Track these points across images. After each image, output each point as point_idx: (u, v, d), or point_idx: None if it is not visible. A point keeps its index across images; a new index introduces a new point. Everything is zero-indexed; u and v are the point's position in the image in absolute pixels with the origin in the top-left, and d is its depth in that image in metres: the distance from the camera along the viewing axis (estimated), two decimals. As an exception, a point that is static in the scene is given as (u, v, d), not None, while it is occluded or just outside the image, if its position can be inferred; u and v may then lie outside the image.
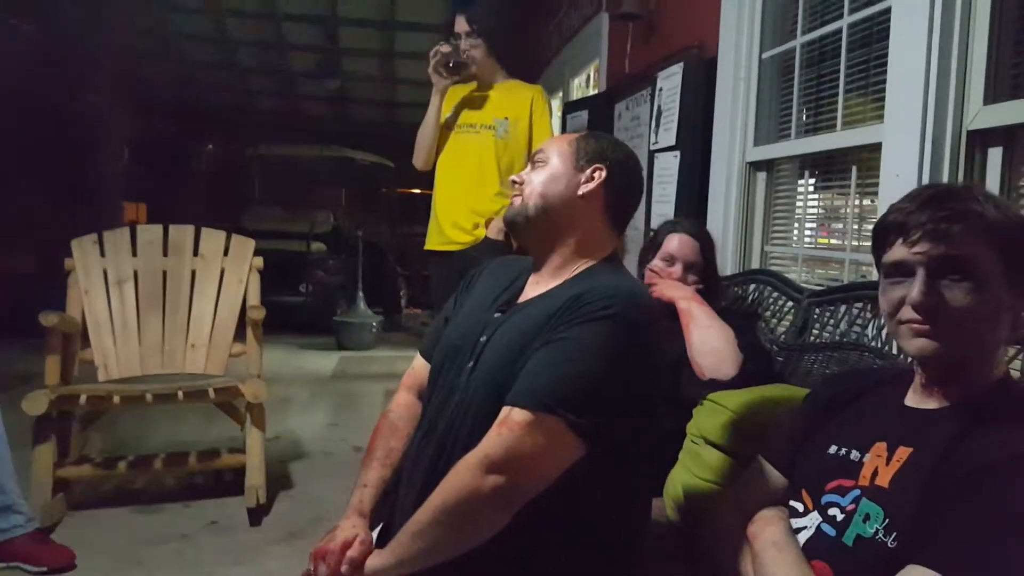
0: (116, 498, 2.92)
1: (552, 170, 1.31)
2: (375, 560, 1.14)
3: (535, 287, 1.30)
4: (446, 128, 3.11)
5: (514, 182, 1.35)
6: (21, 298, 5.14)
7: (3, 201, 6.66)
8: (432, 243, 3.18)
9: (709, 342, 1.75)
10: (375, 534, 1.25)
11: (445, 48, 2.97)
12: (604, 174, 1.29)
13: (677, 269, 1.97)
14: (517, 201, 1.33)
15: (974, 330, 0.95)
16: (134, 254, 3.10)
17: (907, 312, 0.98)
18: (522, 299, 1.30)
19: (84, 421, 3.00)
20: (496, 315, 1.28)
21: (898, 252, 1.00)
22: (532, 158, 1.36)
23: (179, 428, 3.78)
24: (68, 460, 2.80)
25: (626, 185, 1.34)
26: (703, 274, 1.99)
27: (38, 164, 6.96)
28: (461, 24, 3.03)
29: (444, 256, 3.11)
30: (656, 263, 2.01)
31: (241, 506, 2.75)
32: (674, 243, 2.00)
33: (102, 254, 3.05)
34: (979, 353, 0.97)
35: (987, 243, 0.94)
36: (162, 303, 3.09)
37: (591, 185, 1.29)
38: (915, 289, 0.97)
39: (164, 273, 3.11)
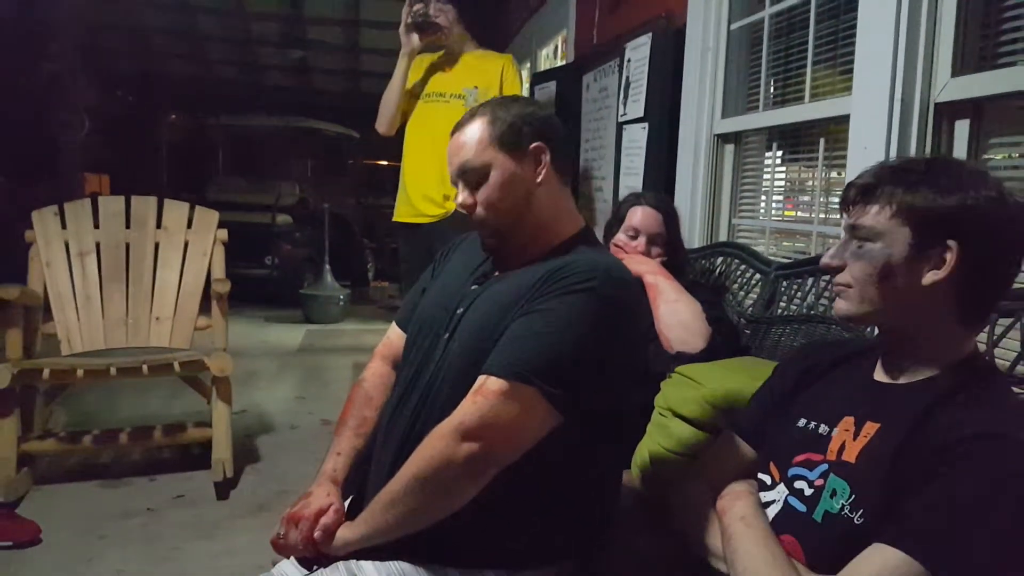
0: (82, 472, 2.88)
1: (500, 180, 1.23)
2: (347, 532, 1.14)
3: (511, 261, 1.29)
4: (413, 96, 3.06)
5: (463, 209, 1.27)
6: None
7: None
8: (401, 215, 3.14)
9: (677, 315, 1.76)
10: (346, 504, 1.25)
11: (418, 5, 2.91)
12: (548, 151, 1.25)
13: (641, 242, 1.98)
14: (480, 231, 1.28)
15: (875, 294, 0.98)
16: (96, 226, 3.03)
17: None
18: (498, 272, 1.29)
19: (48, 395, 2.96)
20: (473, 287, 1.28)
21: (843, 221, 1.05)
22: (463, 177, 1.26)
23: (144, 402, 3.74)
24: (32, 434, 2.77)
25: (562, 142, 1.29)
26: (667, 247, 2.00)
27: (-6, 134, 6.75)
28: None
29: (414, 228, 3.08)
30: (620, 237, 2.02)
31: (208, 480, 2.73)
32: (637, 216, 2.00)
33: (63, 226, 2.98)
34: (916, 325, 0.98)
35: (899, 217, 0.96)
36: (125, 276, 3.03)
37: (542, 170, 1.24)
38: (826, 253, 1.04)
39: (127, 245, 3.05)
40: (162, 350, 2.97)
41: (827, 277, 1.76)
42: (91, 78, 8.45)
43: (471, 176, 1.24)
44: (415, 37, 2.95)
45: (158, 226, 3.09)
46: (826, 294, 1.76)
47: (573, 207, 1.32)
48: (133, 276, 3.04)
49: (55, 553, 2.24)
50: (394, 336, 1.44)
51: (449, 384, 1.16)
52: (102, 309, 2.98)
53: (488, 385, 1.08)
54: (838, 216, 2.01)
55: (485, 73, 3.04)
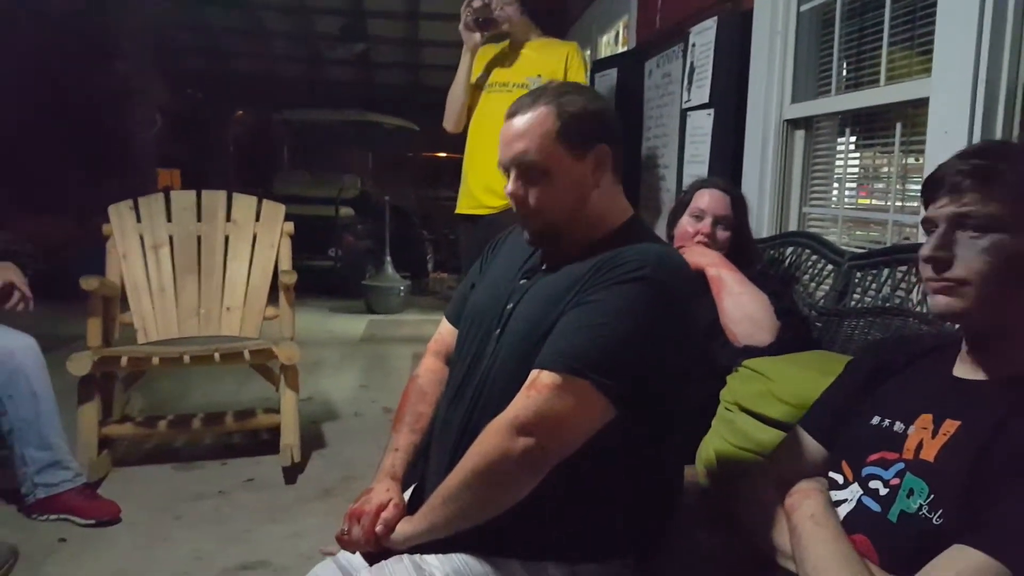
0: (157, 455, 3.00)
1: (561, 183, 1.18)
2: (407, 526, 1.15)
3: (560, 254, 1.26)
4: (477, 88, 3.05)
5: (514, 199, 1.22)
6: (62, 263, 5.26)
7: (42, 170, 6.77)
8: (463, 207, 3.14)
9: (742, 308, 1.72)
10: (407, 496, 1.27)
11: (476, 3, 2.91)
12: (609, 152, 1.21)
13: (706, 224, 1.93)
14: (526, 225, 1.24)
15: (996, 291, 0.91)
16: (169, 219, 3.14)
17: (926, 270, 0.96)
18: (547, 265, 1.27)
19: (126, 382, 3.08)
20: (522, 281, 1.27)
21: (929, 210, 0.98)
22: (517, 167, 1.20)
23: (216, 389, 3.86)
24: (111, 419, 2.89)
25: (620, 139, 1.25)
26: (735, 233, 1.95)
27: (74, 133, 7.05)
28: None
29: (474, 220, 3.08)
30: (684, 220, 1.98)
31: (276, 464, 2.80)
32: (704, 198, 1.96)
33: (138, 220, 3.09)
34: (1015, 322, 0.93)
35: (1012, 203, 0.90)
36: (197, 267, 3.13)
37: (602, 173, 1.21)
38: (928, 244, 0.95)
39: (199, 238, 3.15)
40: (232, 339, 3.06)
41: (904, 268, 1.70)
42: (162, 77, 8.73)
43: (527, 171, 1.19)
44: (476, 34, 2.95)
45: (228, 219, 3.19)
46: (902, 285, 1.69)
47: (623, 199, 1.28)
48: (205, 268, 3.14)
49: (134, 532, 2.33)
50: (445, 331, 1.44)
51: (502, 378, 1.16)
52: (176, 299, 3.08)
53: (542, 379, 1.07)
54: (916, 204, 1.94)
55: (549, 62, 3.01)
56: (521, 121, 1.19)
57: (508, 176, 1.23)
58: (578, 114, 1.18)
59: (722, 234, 1.94)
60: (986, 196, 0.91)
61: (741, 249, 1.93)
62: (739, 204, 1.98)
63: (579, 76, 3.03)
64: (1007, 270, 0.90)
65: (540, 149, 1.17)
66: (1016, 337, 0.94)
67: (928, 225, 0.98)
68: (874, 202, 2.28)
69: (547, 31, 3.14)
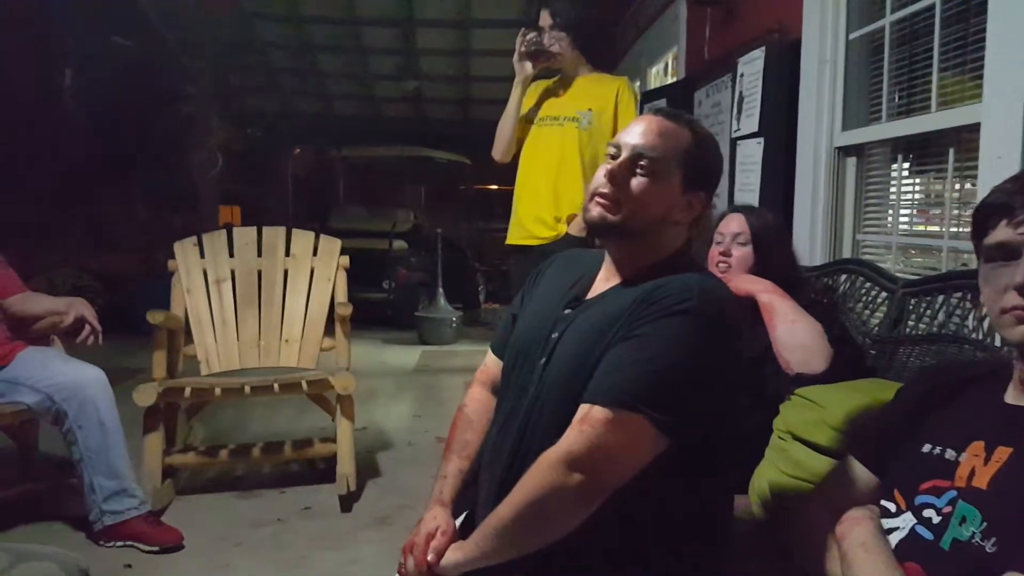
0: (218, 484, 3.07)
1: (662, 191, 1.21)
2: (458, 553, 1.16)
3: (604, 283, 1.28)
4: (528, 121, 3.09)
5: (611, 177, 1.22)
6: (128, 298, 5.48)
7: (109, 208, 7.08)
8: (513, 237, 3.16)
9: (796, 336, 1.69)
10: (459, 522, 1.28)
11: (531, 35, 2.94)
12: (703, 203, 1.24)
13: (725, 244, 1.96)
14: (605, 207, 1.22)
15: None
16: (231, 255, 3.24)
17: (1011, 298, 0.92)
18: (591, 294, 1.29)
19: (188, 412, 3.17)
20: (566, 311, 1.28)
21: (1001, 234, 0.95)
22: (631, 148, 1.22)
23: (274, 418, 3.95)
24: (175, 448, 2.97)
25: (711, 201, 1.28)
26: (757, 246, 1.94)
27: (140, 172, 7.36)
28: (545, 18, 3.00)
29: (525, 251, 3.09)
30: (711, 250, 2.01)
31: (333, 493, 2.85)
32: (721, 223, 2.01)
33: (202, 255, 3.20)
34: None
35: None
36: (257, 301, 3.22)
37: (687, 215, 1.24)
38: (1020, 272, 0.91)
39: (259, 272, 3.25)
40: (291, 370, 3.14)
41: (959, 294, 1.67)
42: (222, 116, 9.07)
43: (639, 162, 1.21)
44: (528, 65, 2.99)
45: (287, 254, 3.28)
46: (958, 312, 1.66)
47: (680, 236, 1.29)
48: (264, 301, 3.23)
49: (197, 558, 2.39)
50: (490, 362, 1.46)
51: (549, 409, 1.17)
52: (237, 332, 3.18)
53: (593, 414, 1.08)
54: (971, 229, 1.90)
55: (600, 96, 3.04)
56: (664, 125, 1.24)
57: (616, 157, 1.24)
58: (704, 157, 1.24)
59: (740, 250, 1.94)
60: None
61: (784, 277, 1.92)
62: (759, 220, 1.98)
63: (629, 110, 3.05)
64: None
65: (665, 157, 1.21)
66: None
67: (1000, 251, 0.95)
68: (930, 228, 2.24)
69: (598, 66, 3.18)
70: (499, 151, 3.11)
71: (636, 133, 1.23)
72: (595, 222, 1.24)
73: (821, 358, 1.66)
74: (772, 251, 1.95)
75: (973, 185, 1.89)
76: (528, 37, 2.94)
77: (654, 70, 5.21)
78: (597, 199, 1.23)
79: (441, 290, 6.84)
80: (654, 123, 1.24)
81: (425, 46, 9.08)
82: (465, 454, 1.37)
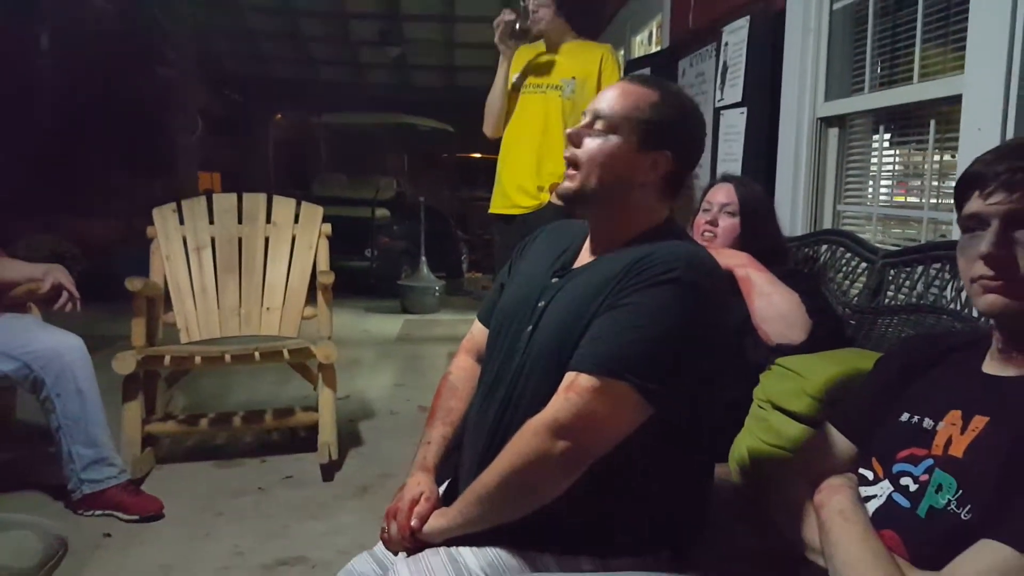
0: (199, 453, 3.08)
1: (615, 148, 1.21)
2: (442, 520, 1.17)
3: (590, 253, 1.29)
4: (513, 90, 3.07)
5: (571, 140, 1.25)
6: (104, 264, 5.42)
7: (87, 174, 6.96)
8: (496, 206, 3.17)
9: (773, 307, 1.71)
10: (441, 490, 1.29)
11: (508, 16, 2.93)
12: (668, 163, 1.22)
13: (712, 213, 1.97)
14: (570, 179, 1.24)
15: None
16: (211, 221, 3.21)
17: (979, 267, 0.94)
18: (578, 264, 1.29)
19: (168, 380, 3.16)
20: (553, 280, 1.28)
21: (974, 204, 0.96)
22: (593, 112, 1.24)
23: (256, 387, 3.95)
24: (154, 417, 2.96)
25: (689, 164, 1.26)
26: (745, 218, 1.94)
27: (119, 137, 7.24)
28: None
29: (508, 220, 3.10)
30: (698, 216, 2.01)
31: (314, 462, 2.86)
32: (712, 193, 2.01)
33: (181, 222, 3.17)
34: None
35: None
36: (238, 268, 3.20)
37: (652, 175, 1.22)
38: (985, 241, 0.93)
39: (240, 240, 3.22)
40: (272, 338, 3.13)
41: (938, 265, 1.68)
42: (202, 81, 8.92)
43: (597, 122, 1.22)
44: (511, 43, 2.98)
45: (268, 221, 3.25)
46: (936, 283, 1.67)
47: (665, 210, 1.29)
48: (245, 269, 3.21)
49: (177, 527, 2.40)
50: (477, 331, 1.46)
51: (535, 376, 1.17)
52: (217, 300, 3.15)
53: (580, 382, 1.08)
54: (950, 201, 1.91)
55: (583, 63, 3.03)
56: (630, 87, 1.24)
57: (583, 119, 1.26)
58: (663, 120, 1.21)
59: (727, 220, 1.95)
60: None
61: (768, 247, 1.93)
62: (747, 191, 1.98)
63: (613, 78, 3.03)
64: None
65: (618, 115, 1.21)
66: None
67: (973, 221, 0.97)
68: (910, 199, 2.25)
69: (582, 33, 3.15)
70: (490, 127, 3.12)
71: (600, 97, 1.25)
72: (560, 193, 1.27)
73: (800, 329, 1.67)
74: (758, 222, 1.96)
75: (953, 157, 1.90)
76: (506, 20, 2.91)
77: (638, 38, 5.17)
78: (566, 172, 1.26)
79: (424, 259, 6.82)
80: (620, 86, 1.25)
81: (409, 11, 8.96)
82: (449, 420, 1.37)
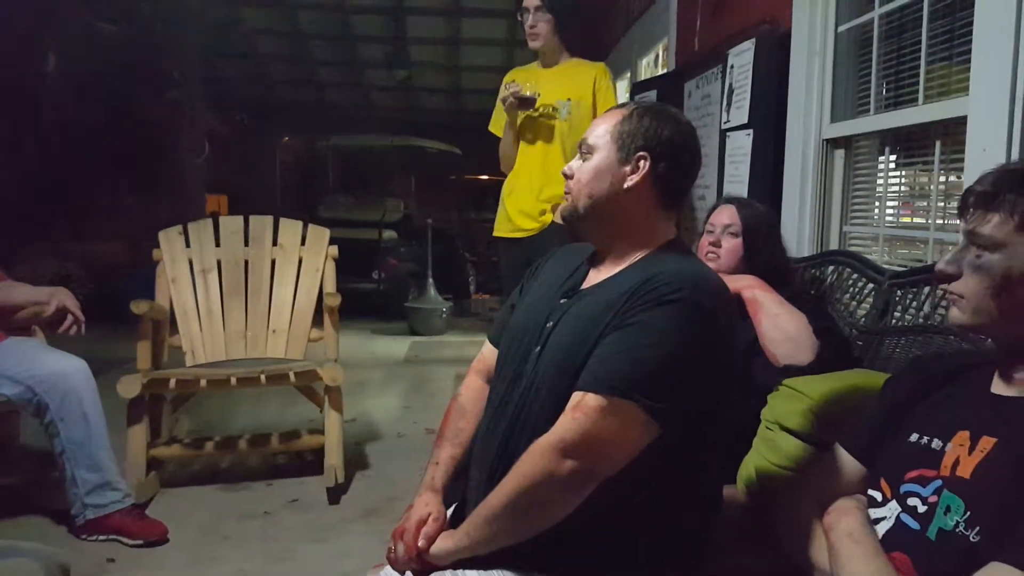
0: (204, 476, 3.06)
1: (597, 164, 1.26)
2: (449, 542, 1.17)
3: (598, 274, 1.30)
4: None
5: (564, 175, 1.33)
6: (110, 287, 5.44)
7: (94, 197, 7.00)
8: (501, 230, 3.21)
9: (780, 329, 1.71)
10: (449, 512, 1.28)
11: (514, 87, 2.98)
12: (648, 164, 1.24)
13: (715, 234, 1.98)
14: (567, 200, 1.31)
15: (988, 308, 0.95)
16: (217, 244, 3.22)
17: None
18: (586, 285, 1.30)
19: (174, 403, 3.15)
20: (562, 301, 1.29)
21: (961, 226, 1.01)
22: (580, 145, 1.32)
23: (262, 410, 3.93)
24: (159, 440, 2.95)
25: (674, 166, 1.27)
26: (747, 237, 1.94)
27: (125, 160, 7.29)
28: (532, 0, 3.03)
29: (513, 243, 3.13)
30: (701, 240, 2.02)
31: (320, 485, 2.84)
32: (713, 214, 2.02)
33: (187, 244, 3.18)
34: None
35: (1021, 228, 0.92)
36: (244, 291, 3.20)
37: (636, 178, 1.24)
38: (943, 259, 1.00)
39: (246, 262, 3.23)
40: (278, 361, 3.12)
41: (945, 286, 1.67)
42: (210, 104, 8.99)
43: (583, 151, 1.30)
44: (517, 112, 3.03)
45: (274, 243, 3.26)
46: (943, 303, 1.67)
47: (668, 224, 1.31)
48: (251, 291, 3.21)
49: (182, 552, 2.38)
50: (487, 352, 1.47)
51: (542, 397, 1.18)
52: (223, 323, 3.16)
53: (587, 401, 1.08)
54: (957, 221, 1.91)
55: (578, 84, 3.07)
56: (612, 111, 1.32)
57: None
58: (637, 130, 1.26)
59: (730, 241, 1.95)
60: (985, 217, 0.95)
61: (773, 268, 1.92)
62: (749, 212, 1.99)
63: (608, 96, 3.09)
64: (996, 289, 0.94)
65: (595, 137, 1.29)
66: None
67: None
68: (916, 220, 2.25)
69: (575, 52, 3.19)
70: (506, 169, 3.22)
71: (587, 131, 1.33)
72: (559, 215, 1.35)
73: (807, 350, 1.67)
74: (761, 243, 1.96)
75: (959, 177, 1.89)
76: (513, 93, 2.97)
77: (644, 61, 5.20)
78: (566, 197, 1.33)
79: (431, 280, 6.82)
80: (603, 115, 1.33)
81: (415, 34, 9.04)
82: (458, 441, 1.37)
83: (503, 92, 3.07)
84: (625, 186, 1.25)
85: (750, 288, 1.80)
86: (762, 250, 1.94)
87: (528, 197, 3.07)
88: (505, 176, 3.24)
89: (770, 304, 1.75)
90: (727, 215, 1.98)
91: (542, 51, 3.11)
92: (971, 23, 1.73)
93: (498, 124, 3.22)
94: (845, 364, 1.69)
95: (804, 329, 1.69)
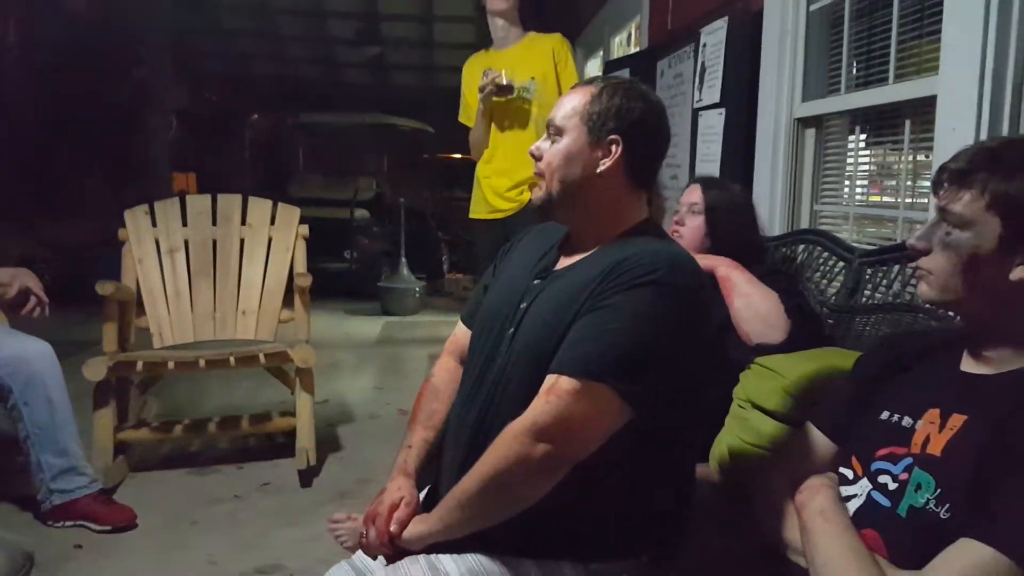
0: (173, 460, 3.02)
1: (567, 148, 1.24)
2: (422, 526, 1.16)
3: (571, 255, 1.29)
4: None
5: (532, 155, 1.30)
6: (78, 268, 5.33)
7: (58, 175, 6.85)
8: (477, 212, 3.21)
9: (752, 308, 1.73)
10: (422, 495, 1.28)
11: (493, 74, 2.95)
12: (620, 148, 1.22)
13: (680, 213, 2.01)
14: (539, 189, 1.29)
15: (954, 285, 0.96)
16: (184, 223, 3.16)
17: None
18: (560, 266, 1.29)
19: (141, 386, 3.11)
20: (535, 282, 1.28)
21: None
22: (548, 126, 1.29)
23: (231, 392, 3.90)
24: (127, 424, 2.91)
25: (647, 147, 1.27)
26: (709, 214, 1.96)
27: (91, 137, 7.13)
28: None
29: (489, 223, 3.12)
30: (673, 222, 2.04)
31: (292, 468, 2.82)
32: (684, 193, 2.04)
33: (154, 224, 3.11)
34: (1003, 317, 0.95)
35: (992, 207, 0.92)
36: (213, 271, 3.15)
37: (608, 162, 1.23)
38: (913, 234, 1.01)
39: (214, 242, 3.17)
40: (248, 342, 3.08)
41: (914, 264, 1.69)
42: (177, 80, 8.82)
43: (552, 131, 1.27)
44: (492, 100, 3.01)
45: (243, 223, 3.20)
46: (913, 281, 1.68)
47: (640, 204, 1.29)
48: (220, 271, 3.15)
49: (150, 538, 2.35)
50: (460, 333, 1.45)
51: (516, 378, 1.17)
52: (191, 304, 3.10)
53: (560, 384, 1.08)
54: (926, 200, 1.93)
55: (538, 60, 3.07)
56: (576, 89, 1.29)
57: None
58: (607, 107, 1.23)
59: (692, 219, 1.98)
60: (957, 194, 0.96)
61: (743, 247, 1.93)
62: (715, 191, 2.00)
63: (568, 67, 3.12)
64: (964, 267, 0.95)
65: (564, 118, 1.26)
66: (1012, 332, 0.96)
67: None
68: (885, 199, 2.27)
69: (527, 26, 3.17)
70: (477, 156, 3.23)
71: (553, 109, 1.30)
72: (533, 203, 1.32)
73: (779, 329, 1.69)
74: (724, 222, 1.97)
75: (928, 157, 1.91)
76: (491, 77, 2.95)
77: (617, 39, 5.18)
78: (536, 182, 1.30)
79: (404, 260, 6.78)
80: (567, 93, 1.30)
81: (387, 11, 8.91)
82: (431, 424, 1.36)
83: (467, 88, 3.09)
84: (598, 170, 1.23)
85: (724, 267, 1.82)
86: (725, 228, 1.96)
87: (501, 178, 3.07)
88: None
89: (742, 283, 1.77)
90: (693, 194, 2.00)
91: (501, 21, 3.10)
92: (941, 2, 1.74)
93: (467, 115, 3.20)
94: (817, 343, 1.71)
95: (776, 308, 1.71)
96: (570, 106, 1.26)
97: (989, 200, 0.92)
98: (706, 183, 2.04)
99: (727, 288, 1.78)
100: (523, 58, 3.08)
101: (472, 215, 3.25)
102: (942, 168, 0.98)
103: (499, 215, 3.10)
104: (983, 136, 1.56)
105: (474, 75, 3.09)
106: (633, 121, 1.23)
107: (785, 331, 1.69)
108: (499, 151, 3.09)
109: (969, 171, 0.94)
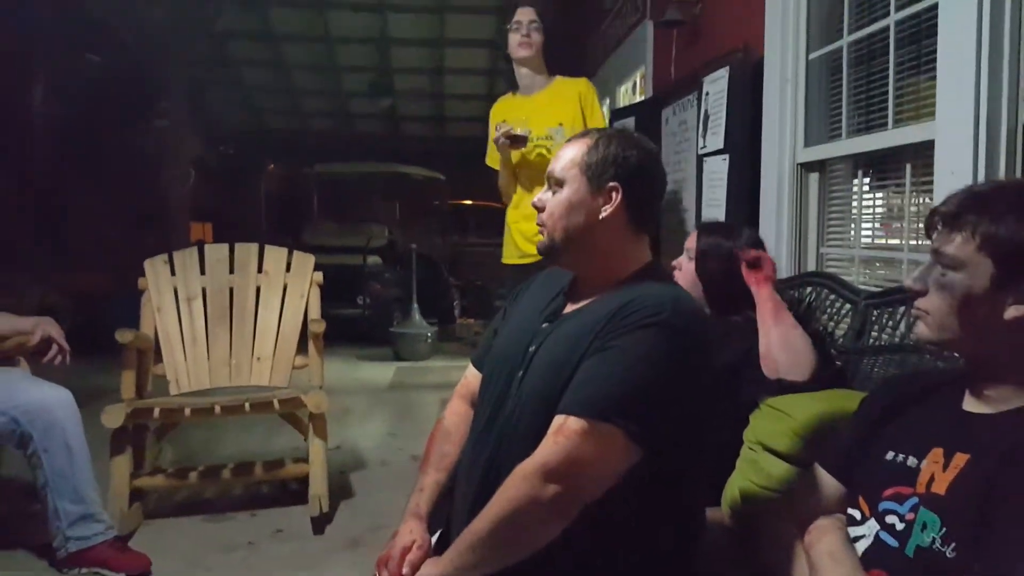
0: (188, 507, 3.02)
1: (569, 197, 1.28)
2: (433, 569, 1.16)
3: (579, 298, 1.32)
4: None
5: (535, 207, 1.34)
6: (98, 316, 5.40)
7: (80, 226, 6.97)
8: (509, 257, 3.25)
9: (787, 337, 1.74)
10: (434, 538, 1.29)
11: (504, 128, 3.01)
12: (620, 195, 1.27)
13: (680, 259, 2.09)
14: (542, 234, 1.33)
15: (950, 325, 0.98)
16: (202, 272, 3.21)
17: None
18: (567, 310, 1.32)
19: (157, 433, 3.12)
20: (544, 325, 1.31)
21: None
22: (547, 178, 1.33)
23: (246, 439, 3.90)
24: (143, 471, 2.91)
25: (645, 192, 1.31)
26: (698, 264, 2.02)
27: (112, 189, 7.27)
28: (528, 14, 3.09)
29: (522, 269, 3.13)
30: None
31: (305, 515, 2.81)
32: (686, 240, 2.11)
33: (172, 273, 3.16)
34: (999, 356, 0.97)
35: (983, 249, 0.95)
36: (229, 318, 3.19)
37: (609, 208, 1.27)
38: (911, 275, 1.03)
39: (231, 290, 3.21)
40: (262, 388, 3.10)
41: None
42: (196, 133, 9.01)
43: (552, 183, 1.32)
44: (510, 150, 3.07)
45: (259, 270, 3.25)
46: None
47: (643, 248, 1.33)
48: (236, 319, 3.19)
49: (165, 584, 2.35)
50: (471, 376, 1.48)
51: (526, 420, 1.19)
52: (207, 351, 3.14)
53: (569, 425, 1.09)
54: (930, 242, 1.95)
55: (565, 106, 3.11)
56: (574, 141, 1.34)
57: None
58: (604, 156, 1.28)
59: (687, 264, 2.05)
60: (949, 237, 0.98)
61: (728, 296, 1.96)
62: (712, 242, 2.04)
63: (595, 111, 3.14)
64: (959, 307, 0.97)
65: (563, 169, 1.30)
66: (1010, 371, 0.97)
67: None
68: (891, 241, 2.29)
69: (553, 70, 3.23)
70: (507, 200, 3.29)
71: (552, 162, 1.34)
72: (539, 252, 1.35)
73: (806, 367, 1.71)
74: (710, 270, 2.01)
75: (930, 199, 1.94)
76: (504, 131, 3.01)
77: (623, 88, 5.28)
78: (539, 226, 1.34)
79: (416, 305, 6.81)
80: (567, 145, 1.34)
81: (399, 64, 9.12)
82: (442, 466, 1.37)
83: (493, 131, 3.11)
84: (600, 217, 1.27)
85: (768, 289, 1.85)
86: (710, 276, 2.00)
87: (531, 224, 3.09)
88: (482, 190, 3.31)
89: (783, 311, 1.80)
90: (691, 240, 2.07)
91: (526, 69, 3.15)
92: (935, 50, 1.79)
93: (494, 158, 3.24)
94: (832, 384, 1.72)
95: (808, 345, 1.74)
96: (568, 158, 1.30)
97: (980, 242, 0.94)
98: (705, 229, 2.10)
99: (766, 311, 1.80)
100: (549, 104, 3.13)
101: (504, 260, 3.28)
102: (933, 212, 1.02)
103: (528, 260, 3.10)
104: (981, 178, 1.59)
105: (498, 119, 3.14)
106: (631, 167, 1.28)
107: (812, 372, 1.70)
108: (526, 197, 3.11)
109: (959, 214, 0.97)
